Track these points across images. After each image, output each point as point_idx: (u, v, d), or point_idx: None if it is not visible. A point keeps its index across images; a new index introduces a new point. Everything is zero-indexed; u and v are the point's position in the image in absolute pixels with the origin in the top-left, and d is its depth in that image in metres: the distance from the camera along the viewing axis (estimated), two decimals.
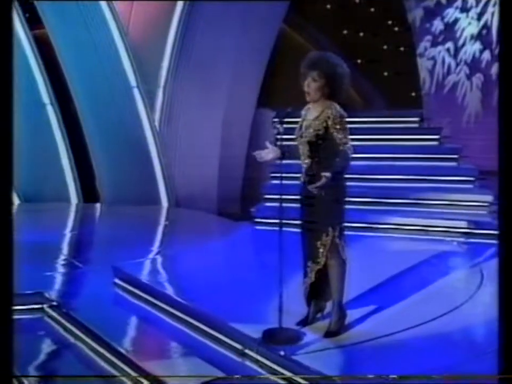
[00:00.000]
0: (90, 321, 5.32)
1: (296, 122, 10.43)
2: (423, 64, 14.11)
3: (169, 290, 5.77)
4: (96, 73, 10.29)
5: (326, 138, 4.59)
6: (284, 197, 8.84)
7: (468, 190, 8.83)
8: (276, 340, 4.56)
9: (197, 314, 5.15)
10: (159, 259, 6.99)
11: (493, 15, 13.26)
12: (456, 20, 13.71)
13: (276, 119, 4.67)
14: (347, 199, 4.70)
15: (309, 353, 4.38)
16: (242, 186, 11.21)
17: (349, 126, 4.61)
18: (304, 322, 4.84)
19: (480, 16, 13.39)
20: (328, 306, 4.89)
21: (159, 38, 10.63)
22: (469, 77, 13.51)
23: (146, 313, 5.55)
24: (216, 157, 10.93)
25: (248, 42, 10.84)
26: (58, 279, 6.64)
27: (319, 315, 4.91)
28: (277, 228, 8.08)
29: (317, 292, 4.80)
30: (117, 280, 6.28)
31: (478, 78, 13.42)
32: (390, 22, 14.22)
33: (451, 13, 13.76)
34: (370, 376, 4.23)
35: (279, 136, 4.60)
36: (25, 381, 4.45)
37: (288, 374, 4.36)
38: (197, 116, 10.76)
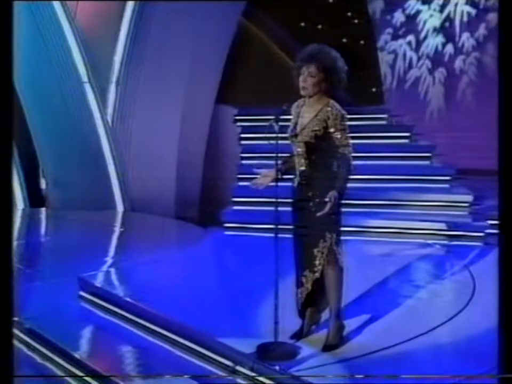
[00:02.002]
0: (59, 339, 5.12)
1: (256, 120, 10.17)
2: (384, 58, 14.20)
3: (145, 303, 5.54)
4: (44, 68, 9.99)
5: (324, 138, 4.46)
6: (251, 199, 8.81)
7: (444, 190, 8.84)
8: (272, 356, 4.43)
9: (180, 329, 4.98)
10: (128, 269, 6.77)
11: (455, 7, 13.42)
12: (417, 12, 13.84)
13: (272, 117, 4.45)
14: (344, 201, 4.60)
15: (311, 369, 4.27)
16: (201, 188, 11.03)
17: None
18: (299, 335, 4.73)
19: (442, 8, 13.54)
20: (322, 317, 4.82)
21: (111, 31, 10.38)
22: (431, 71, 13.65)
23: (121, 330, 5.35)
24: (174, 156, 10.73)
25: (207, 36, 10.68)
26: (16, 293, 6.35)
27: (313, 327, 4.82)
28: (247, 233, 8.13)
29: (312, 303, 4.69)
30: (82, 293, 6.06)
31: (440, 73, 13.57)
32: (349, 14, 14.22)
33: (412, 5, 13.89)
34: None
35: (274, 135, 4.42)
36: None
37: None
38: (152, 113, 10.54)
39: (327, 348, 4.58)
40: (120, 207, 10.42)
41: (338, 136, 4.45)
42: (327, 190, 4.38)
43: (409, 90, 13.90)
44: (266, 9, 12.93)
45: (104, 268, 6.98)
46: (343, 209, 4.62)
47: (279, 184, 4.60)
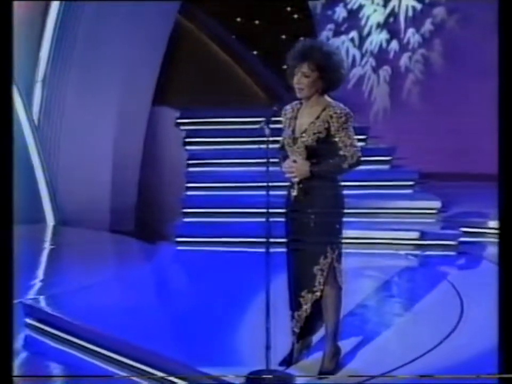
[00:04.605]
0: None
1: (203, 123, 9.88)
2: None
3: (104, 330, 5.22)
4: None
5: (328, 142, 4.30)
6: (203, 210, 8.54)
7: (408, 196, 8.75)
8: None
9: (153, 360, 4.70)
10: (76, 292, 6.33)
11: (400, 1, 13.50)
12: (360, 7, 13.82)
13: (262, 119, 4.25)
14: (346, 211, 4.44)
15: None
16: (138, 198, 10.66)
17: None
18: (288, 361, 4.53)
19: (386, 2, 13.58)
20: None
21: (36, 26, 10.00)
22: (375, 69, 13.67)
23: (82, 363, 5.04)
24: (108, 162, 10.34)
25: (142, 34, 10.39)
26: None
27: (304, 351, 4.62)
28: (202, 248, 7.84)
29: (309, 326, 4.49)
30: (29, 321, 5.69)
31: (385, 71, 13.60)
32: (288, 9, 14.14)
33: None
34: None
35: (265, 139, 4.20)
36: None
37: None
38: (83, 115, 10.15)
39: (323, 373, 4.40)
40: (50, 220, 9.95)
41: (342, 137, 4.29)
42: (329, 200, 4.23)
43: (353, 90, 13.88)
44: (202, 5, 12.72)
45: (40, 290, 6.60)
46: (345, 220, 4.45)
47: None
